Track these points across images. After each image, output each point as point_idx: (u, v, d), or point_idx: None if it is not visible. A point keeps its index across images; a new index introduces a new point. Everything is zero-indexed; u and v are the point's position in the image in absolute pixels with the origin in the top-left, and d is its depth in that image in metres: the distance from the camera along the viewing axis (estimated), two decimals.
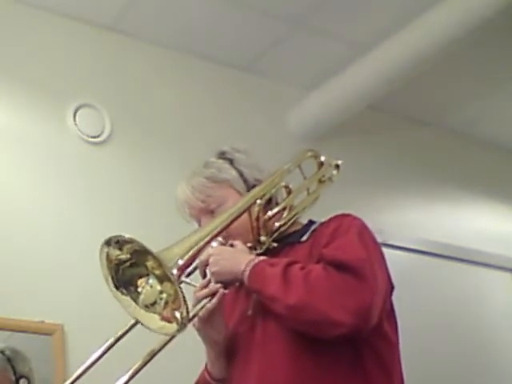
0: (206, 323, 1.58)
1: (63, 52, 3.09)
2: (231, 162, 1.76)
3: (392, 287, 1.60)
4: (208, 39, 3.34)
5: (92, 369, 1.53)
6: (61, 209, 2.85)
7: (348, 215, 1.64)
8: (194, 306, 1.55)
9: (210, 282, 1.57)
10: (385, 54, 3.31)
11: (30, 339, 2.58)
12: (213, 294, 1.55)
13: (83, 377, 1.53)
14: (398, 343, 1.59)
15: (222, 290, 1.55)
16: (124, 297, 1.48)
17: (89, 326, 2.64)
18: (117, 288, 1.48)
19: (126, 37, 3.24)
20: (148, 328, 1.45)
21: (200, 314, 1.55)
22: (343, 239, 1.54)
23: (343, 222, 1.60)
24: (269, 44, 3.40)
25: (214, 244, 1.60)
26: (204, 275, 1.59)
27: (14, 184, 2.80)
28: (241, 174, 1.74)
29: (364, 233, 1.57)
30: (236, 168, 1.75)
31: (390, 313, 1.59)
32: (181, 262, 1.43)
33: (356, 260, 1.46)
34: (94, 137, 3.03)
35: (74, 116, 3.01)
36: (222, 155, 1.79)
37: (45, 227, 2.79)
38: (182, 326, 1.41)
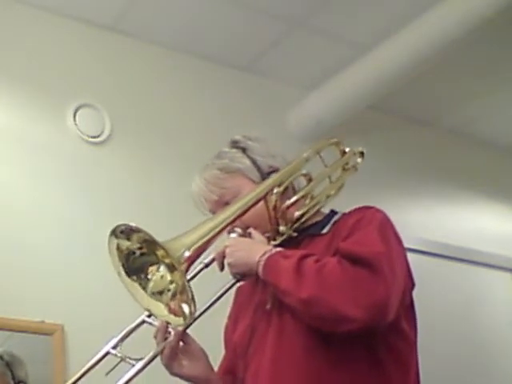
0: (172, 360, 1.55)
1: (63, 52, 3.09)
2: (244, 150, 1.72)
3: (413, 284, 1.56)
4: (208, 39, 3.34)
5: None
6: (61, 209, 2.85)
7: (371, 207, 1.60)
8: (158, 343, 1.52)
9: (167, 326, 1.53)
10: (385, 54, 3.31)
11: (29, 339, 2.58)
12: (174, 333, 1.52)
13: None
14: (415, 341, 1.56)
15: (172, 332, 1.52)
16: (133, 283, 1.46)
17: (89, 326, 2.64)
18: (128, 276, 1.47)
19: (126, 37, 3.24)
20: (155, 316, 1.44)
21: (163, 355, 1.53)
22: (362, 232, 1.50)
23: (365, 215, 1.55)
24: (269, 44, 3.40)
25: (232, 235, 1.58)
26: (222, 267, 1.57)
27: (14, 184, 2.80)
28: (254, 163, 1.69)
29: (385, 226, 1.53)
30: (249, 156, 1.71)
31: (408, 310, 1.55)
32: (187, 254, 1.41)
33: (372, 253, 1.42)
34: (94, 137, 3.03)
35: (74, 116, 3.01)
36: (235, 144, 1.75)
37: (44, 227, 2.79)
38: (187, 320, 1.40)
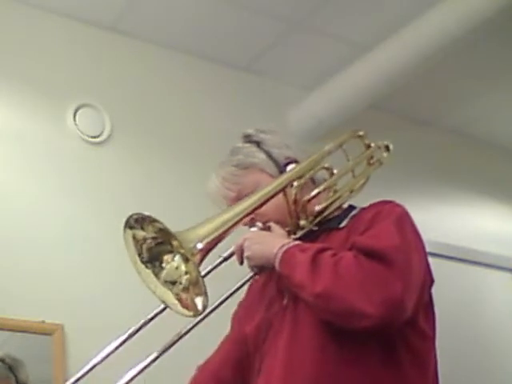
0: None
1: (63, 52, 3.09)
2: (258, 144, 1.69)
3: (432, 280, 1.53)
4: (208, 39, 3.34)
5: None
6: (61, 208, 2.85)
7: (389, 202, 1.57)
8: None
9: None
10: (385, 53, 3.31)
11: (30, 339, 2.58)
12: None
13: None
14: (434, 338, 1.53)
15: None
16: (147, 271, 1.45)
17: (89, 326, 2.64)
18: (144, 264, 1.45)
19: (126, 37, 3.24)
20: (167, 305, 1.43)
21: None
22: (380, 226, 1.47)
23: (383, 209, 1.53)
24: (269, 44, 3.40)
25: (252, 229, 1.56)
26: (241, 261, 1.55)
27: (14, 184, 2.80)
28: (269, 156, 1.67)
29: (403, 221, 1.50)
30: (264, 150, 1.68)
31: (427, 306, 1.52)
32: (200, 246, 1.40)
33: (389, 248, 1.39)
34: (94, 137, 3.03)
35: (74, 116, 3.01)
36: (248, 138, 1.72)
37: (45, 227, 2.79)
38: (198, 314, 1.39)
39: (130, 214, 1.41)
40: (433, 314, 1.54)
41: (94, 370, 1.49)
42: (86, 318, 2.68)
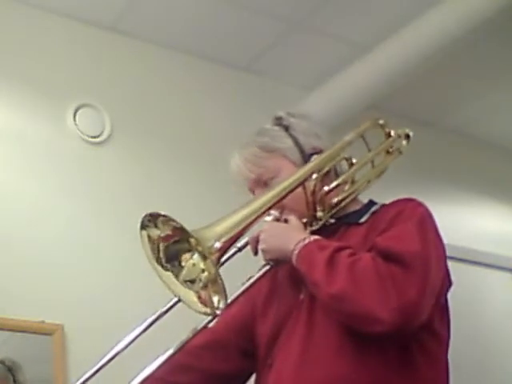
0: None
1: (63, 52, 3.09)
2: (287, 128, 1.64)
3: (450, 283, 1.50)
4: (208, 39, 3.34)
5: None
6: (61, 208, 2.85)
7: (412, 200, 1.53)
8: None
9: None
10: (385, 53, 3.31)
11: (30, 339, 2.58)
12: None
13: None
14: (448, 340, 1.50)
15: None
16: (167, 272, 1.41)
17: (89, 326, 2.64)
18: (161, 264, 1.41)
19: (126, 37, 3.24)
20: (186, 304, 1.40)
21: None
22: (401, 228, 1.43)
23: (406, 208, 1.49)
24: (269, 44, 3.40)
25: (267, 218, 1.52)
26: (256, 252, 1.52)
27: (14, 184, 2.80)
28: (296, 143, 1.61)
29: (426, 222, 1.47)
30: (291, 135, 1.62)
31: (443, 309, 1.49)
32: (218, 245, 1.36)
33: (409, 252, 1.36)
34: (94, 137, 3.03)
35: (74, 116, 3.01)
36: (278, 121, 1.67)
37: (45, 227, 2.79)
38: (216, 311, 1.37)
39: (144, 214, 1.40)
40: (447, 316, 1.52)
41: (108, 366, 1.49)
42: (86, 317, 2.68)
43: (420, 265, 1.36)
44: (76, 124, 3.00)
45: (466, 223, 4.11)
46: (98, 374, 1.47)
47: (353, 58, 3.40)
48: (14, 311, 2.56)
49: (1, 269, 2.61)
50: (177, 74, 3.37)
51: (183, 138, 3.26)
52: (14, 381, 2.48)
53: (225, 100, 3.46)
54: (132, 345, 1.50)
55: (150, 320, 1.50)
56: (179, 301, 1.45)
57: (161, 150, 3.18)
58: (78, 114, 3.02)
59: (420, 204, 1.53)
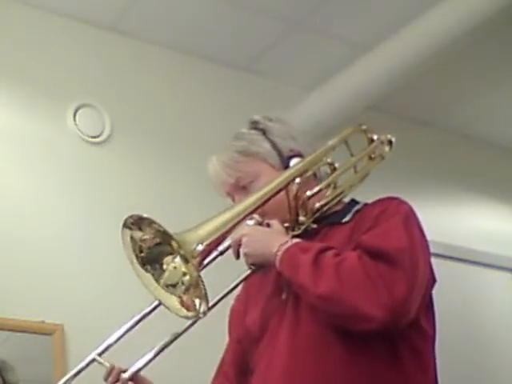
0: None
1: (63, 52, 3.09)
2: (264, 132, 1.64)
3: (434, 280, 1.50)
4: (208, 39, 3.34)
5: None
6: (60, 208, 2.85)
7: (395, 198, 1.54)
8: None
9: (114, 369, 1.50)
10: (385, 53, 3.31)
11: (29, 339, 2.58)
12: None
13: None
14: (434, 337, 1.52)
15: (125, 376, 1.48)
16: (147, 274, 1.42)
17: (89, 326, 2.64)
18: (142, 266, 1.42)
19: (126, 37, 3.24)
20: (168, 308, 1.40)
21: None
22: (386, 225, 1.44)
23: (389, 206, 1.50)
24: (269, 44, 3.40)
25: (249, 222, 1.52)
26: (237, 255, 1.52)
27: (14, 184, 2.80)
28: (274, 146, 1.62)
29: (410, 219, 1.47)
30: (269, 139, 1.63)
31: (428, 306, 1.50)
32: (200, 248, 1.37)
33: (395, 249, 1.37)
34: (94, 137, 3.03)
35: (74, 116, 3.01)
36: (254, 125, 1.67)
37: (44, 227, 2.79)
38: (199, 315, 1.37)
39: (128, 215, 1.39)
40: (433, 313, 1.53)
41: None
42: (86, 318, 2.68)
43: (408, 261, 1.37)
44: (76, 124, 3.00)
45: (466, 223, 4.11)
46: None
47: (353, 58, 3.40)
48: (13, 311, 2.56)
49: (1, 269, 2.61)
50: (177, 74, 3.37)
51: (183, 138, 3.26)
52: (4, 381, 2.47)
53: (225, 100, 3.46)
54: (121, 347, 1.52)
55: (133, 321, 1.53)
56: (160, 304, 1.46)
57: (161, 150, 3.18)
58: (77, 114, 3.02)
59: (403, 202, 1.53)
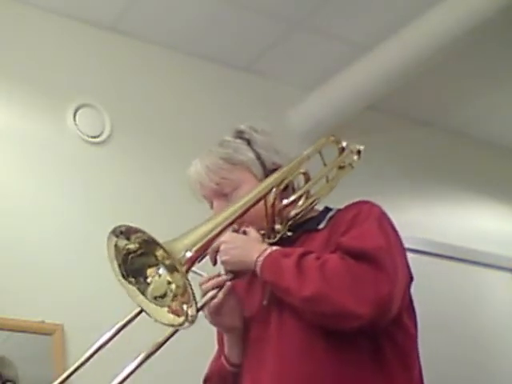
0: (216, 314, 1.53)
1: (63, 52, 3.09)
2: (249, 142, 1.68)
3: (411, 278, 1.54)
4: (208, 39, 3.34)
5: (95, 357, 1.52)
6: (60, 208, 2.85)
7: (367, 202, 1.58)
8: (202, 297, 1.49)
9: (218, 275, 1.51)
10: (385, 53, 3.31)
11: (29, 339, 2.58)
12: (220, 286, 1.50)
13: (87, 364, 1.51)
14: (416, 336, 1.54)
15: (228, 283, 1.50)
16: (131, 286, 1.42)
17: (89, 326, 2.63)
18: (125, 278, 1.43)
19: (126, 37, 3.24)
20: (155, 320, 1.40)
21: (207, 306, 1.50)
22: (362, 227, 1.48)
23: (362, 209, 1.54)
24: (269, 44, 3.40)
25: None
26: (215, 262, 1.53)
27: (14, 184, 2.80)
28: (258, 157, 1.65)
29: (384, 220, 1.52)
30: (253, 150, 1.66)
31: (408, 305, 1.53)
32: (189, 255, 1.38)
33: (375, 249, 1.42)
34: (94, 137, 3.03)
35: (74, 116, 3.01)
36: (239, 134, 1.71)
37: (44, 227, 2.79)
38: (190, 322, 1.36)
39: (115, 226, 1.41)
40: (414, 312, 1.56)
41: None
42: (85, 318, 2.68)
43: (388, 259, 1.42)
44: (76, 124, 3.00)
45: (466, 223, 4.11)
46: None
47: (353, 58, 3.40)
48: (13, 311, 2.56)
49: (1, 269, 2.62)
50: (177, 74, 3.37)
51: (183, 138, 3.26)
52: (1, 377, 2.47)
53: (225, 100, 3.46)
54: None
55: (117, 326, 1.53)
56: (146, 314, 1.45)
57: (161, 150, 3.18)
58: (78, 113, 3.02)
59: (374, 204, 1.58)
